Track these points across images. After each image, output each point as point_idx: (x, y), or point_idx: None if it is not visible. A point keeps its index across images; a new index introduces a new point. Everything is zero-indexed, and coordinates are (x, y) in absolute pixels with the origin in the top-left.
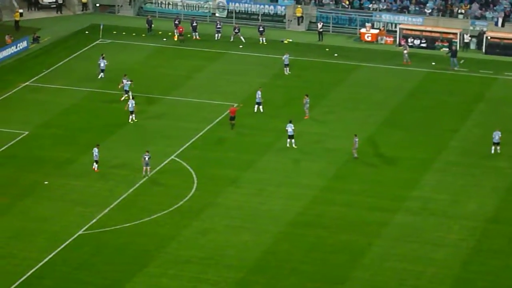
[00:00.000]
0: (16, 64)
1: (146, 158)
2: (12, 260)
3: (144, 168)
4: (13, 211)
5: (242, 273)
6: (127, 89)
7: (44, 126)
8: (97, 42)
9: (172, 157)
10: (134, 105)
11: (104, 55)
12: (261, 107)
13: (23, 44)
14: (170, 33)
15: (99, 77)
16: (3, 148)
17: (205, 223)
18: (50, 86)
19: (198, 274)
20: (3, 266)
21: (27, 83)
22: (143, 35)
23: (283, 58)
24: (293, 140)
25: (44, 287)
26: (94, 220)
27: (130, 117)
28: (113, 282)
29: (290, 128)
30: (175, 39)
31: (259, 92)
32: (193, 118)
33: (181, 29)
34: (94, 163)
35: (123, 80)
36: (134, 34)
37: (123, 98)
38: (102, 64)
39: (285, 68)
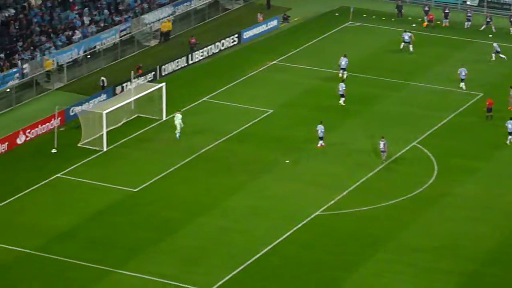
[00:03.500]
0: (265, 43)
1: (381, 144)
2: (247, 237)
3: (382, 153)
4: (250, 188)
5: (477, 264)
6: (344, 67)
7: (287, 105)
8: (346, 24)
9: (414, 143)
10: (344, 88)
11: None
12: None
13: (274, 23)
14: (419, 19)
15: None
16: (247, 125)
17: (443, 212)
18: (296, 66)
19: (431, 263)
20: (238, 242)
21: (274, 62)
22: (393, 19)
23: (494, 46)
24: (509, 137)
25: (274, 265)
26: (331, 202)
27: (341, 100)
28: (344, 263)
29: (510, 125)
30: (424, 25)
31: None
32: (436, 106)
33: (431, 16)
34: (319, 140)
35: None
36: (383, 18)
37: (340, 76)
38: (406, 37)
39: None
